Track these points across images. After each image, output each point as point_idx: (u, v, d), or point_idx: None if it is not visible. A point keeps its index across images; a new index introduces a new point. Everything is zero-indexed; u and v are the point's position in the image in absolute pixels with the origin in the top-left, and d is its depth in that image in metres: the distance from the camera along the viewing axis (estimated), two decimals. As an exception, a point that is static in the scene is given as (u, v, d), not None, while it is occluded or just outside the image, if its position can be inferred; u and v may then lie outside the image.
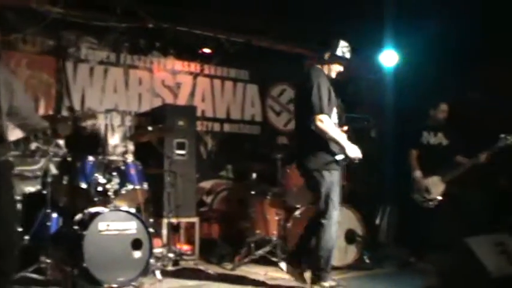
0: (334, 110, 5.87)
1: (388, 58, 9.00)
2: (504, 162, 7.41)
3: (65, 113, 7.71)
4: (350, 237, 7.21)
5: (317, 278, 5.70)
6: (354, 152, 5.66)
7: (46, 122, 4.49)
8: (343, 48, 5.87)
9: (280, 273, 6.77)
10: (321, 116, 5.61)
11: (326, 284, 5.64)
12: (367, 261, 7.23)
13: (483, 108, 8.56)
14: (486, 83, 8.66)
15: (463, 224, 7.21)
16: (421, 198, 7.40)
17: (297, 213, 7.48)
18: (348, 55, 5.92)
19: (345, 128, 6.05)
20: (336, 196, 5.70)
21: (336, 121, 5.88)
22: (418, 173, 7.44)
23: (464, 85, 8.79)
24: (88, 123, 7.37)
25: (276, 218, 7.47)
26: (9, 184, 4.52)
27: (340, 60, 5.92)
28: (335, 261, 6.63)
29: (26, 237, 6.19)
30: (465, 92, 8.69)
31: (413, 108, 8.34)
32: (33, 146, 6.73)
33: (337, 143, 5.66)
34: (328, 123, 5.63)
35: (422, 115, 7.74)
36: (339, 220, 5.78)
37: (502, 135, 7.08)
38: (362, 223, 7.34)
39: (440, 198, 7.33)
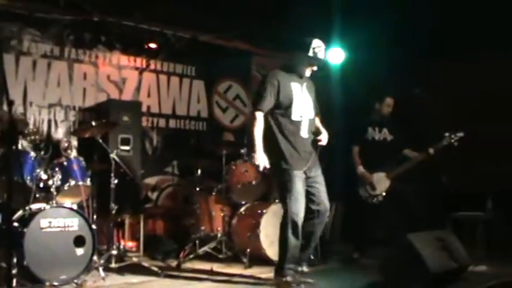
0: (297, 109, 5.93)
1: (335, 56, 8.98)
2: (446, 160, 7.57)
3: (5, 107, 7.54)
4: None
5: (277, 271, 5.85)
6: (259, 160, 5.75)
7: None
8: (315, 49, 5.94)
9: (225, 269, 6.80)
10: (255, 112, 5.83)
11: (283, 278, 5.74)
12: (312, 257, 7.08)
13: (427, 105, 8.72)
14: (432, 81, 8.82)
15: (406, 220, 7.31)
16: (366, 194, 7.49)
17: (242, 209, 7.57)
18: (320, 55, 6.00)
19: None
20: (291, 193, 5.75)
21: (300, 119, 5.94)
22: (361, 169, 7.52)
23: (411, 82, 8.93)
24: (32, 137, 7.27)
25: (221, 214, 7.53)
26: None
27: (312, 61, 6.01)
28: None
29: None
30: (410, 89, 8.84)
31: (359, 105, 8.41)
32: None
33: (253, 142, 5.79)
34: (257, 121, 5.80)
35: (369, 112, 7.83)
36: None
37: (446, 134, 7.24)
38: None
39: (384, 194, 7.43)
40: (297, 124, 5.92)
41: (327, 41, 8.69)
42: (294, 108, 5.90)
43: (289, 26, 8.15)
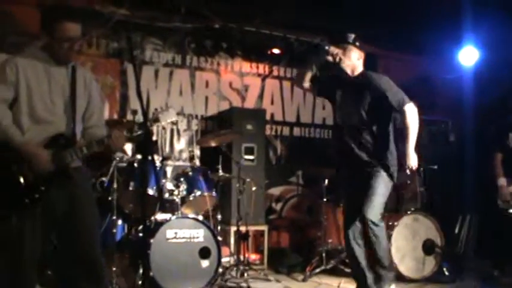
0: None
1: (467, 56, 8.71)
2: None
3: (130, 116, 7.85)
4: (428, 247, 7.10)
5: None
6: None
7: (105, 131, 4.24)
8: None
9: (354, 284, 6.69)
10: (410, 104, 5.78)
11: None
12: (447, 273, 7.09)
13: None
14: None
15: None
16: (506, 206, 7.17)
17: (372, 221, 7.39)
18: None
19: None
20: None
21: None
22: (503, 180, 7.20)
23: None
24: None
25: (350, 226, 7.39)
26: (88, 194, 4.28)
27: None
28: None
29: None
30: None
31: (495, 108, 8.13)
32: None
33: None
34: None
35: (506, 115, 7.51)
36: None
37: None
38: (441, 233, 7.20)
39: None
40: None
41: (458, 40, 8.55)
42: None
43: (416, 27, 7.94)
